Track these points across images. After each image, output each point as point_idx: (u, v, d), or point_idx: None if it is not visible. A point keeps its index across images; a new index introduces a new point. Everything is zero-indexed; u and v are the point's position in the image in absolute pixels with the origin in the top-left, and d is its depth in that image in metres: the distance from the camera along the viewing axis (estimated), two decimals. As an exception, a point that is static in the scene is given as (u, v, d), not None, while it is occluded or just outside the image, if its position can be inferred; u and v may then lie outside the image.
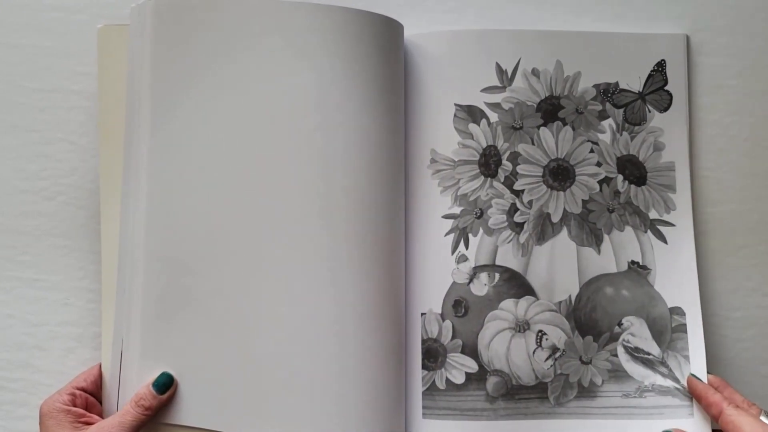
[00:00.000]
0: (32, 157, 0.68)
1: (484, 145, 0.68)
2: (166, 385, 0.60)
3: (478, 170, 0.68)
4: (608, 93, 0.69)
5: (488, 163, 0.68)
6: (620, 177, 0.69)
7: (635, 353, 0.67)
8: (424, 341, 0.66)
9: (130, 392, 0.61)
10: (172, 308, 0.61)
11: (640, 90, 0.69)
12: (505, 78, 0.69)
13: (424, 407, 0.65)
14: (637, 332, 0.67)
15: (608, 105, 0.69)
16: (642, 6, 0.71)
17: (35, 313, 0.68)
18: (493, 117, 0.68)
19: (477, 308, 0.67)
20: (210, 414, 0.61)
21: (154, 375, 0.60)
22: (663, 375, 0.66)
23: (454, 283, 0.67)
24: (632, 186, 0.69)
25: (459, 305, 0.67)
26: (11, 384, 0.67)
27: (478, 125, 0.68)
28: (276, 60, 0.62)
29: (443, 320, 0.67)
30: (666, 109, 0.69)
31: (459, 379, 0.66)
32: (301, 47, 0.63)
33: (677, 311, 0.67)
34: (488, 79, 0.68)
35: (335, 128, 0.63)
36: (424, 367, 0.66)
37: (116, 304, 0.62)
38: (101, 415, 0.61)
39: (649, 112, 0.69)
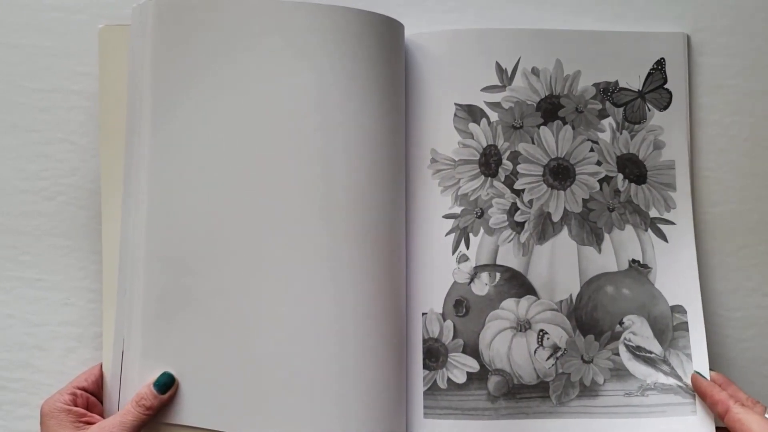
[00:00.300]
0: (32, 157, 0.68)
1: (485, 144, 0.68)
2: (167, 384, 0.60)
3: (479, 170, 0.68)
4: (608, 92, 0.69)
5: (488, 162, 0.68)
6: (620, 176, 0.69)
7: (637, 352, 0.67)
8: (425, 341, 0.66)
9: (131, 392, 0.61)
10: (173, 308, 0.61)
11: (640, 88, 0.69)
12: (505, 77, 0.69)
13: (425, 407, 0.65)
14: (638, 331, 0.67)
15: (608, 104, 0.69)
16: (642, 6, 0.71)
17: (36, 313, 0.68)
18: (494, 116, 0.68)
19: (478, 308, 0.67)
20: (211, 414, 0.61)
21: (155, 375, 0.60)
22: (665, 373, 0.66)
23: (455, 282, 0.67)
24: (632, 185, 0.69)
25: (460, 305, 0.67)
26: (12, 384, 0.67)
27: (479, 125, 0.68)
28: (276, 60, 0.63)
29: (444, 320, 0.66)
30: (666, 108, 0.69)
31: (460, 378, 0.66)
32: (302, 47, 0.63)
33: (678, 309, 0.67)
34: (488, 79, 0.68)
35: (335, 128, 0.63)
36: (425, 366, 0.66)
37: (117, 304, 0.62)
38: (102, 415, 0.61)
39: (649, 110, 0.69)
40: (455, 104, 0.68)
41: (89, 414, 0.60)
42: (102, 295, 0.63)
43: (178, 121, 0.62)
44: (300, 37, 0.63)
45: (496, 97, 0.68)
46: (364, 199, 0.63)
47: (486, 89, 0.68)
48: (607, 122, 0.69)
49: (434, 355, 0.66)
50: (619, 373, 0.67)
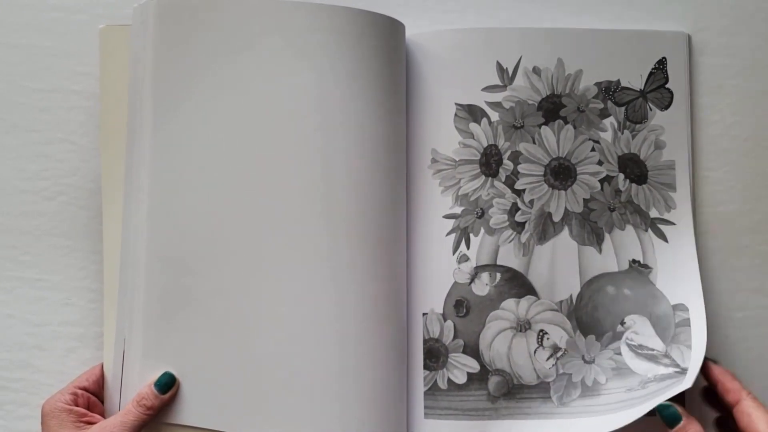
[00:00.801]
0: (33, 157, 0.68)
1: (485, 144, 0.68)
2: (168, 384, 0.60)
3: (479, 170, 0.68)
4: (609, 91, 0.69)
5: (489, 162, 0.68)
6: (621, 176, 0.68)
7: (639, 350, 0.66)
8: (425, 341, 0.66)
9: (132, 392, 0.61)
10: (174, 308, 0.61)
11: (641, 88, 0.69)
12: (506, 77, 0.68)
13: (425, 407, 0.65)
14: (640, 330, 0.67)
15: (609, 103, 0.69)
16: (643, 6, 0.71)
17: (36, 313, 0.68)
18: (494, 116, 0.68)
19: (478, 308, 0.67)
20: (211, 414, 0.61)
21: (156, 375, 0.60)
22: (665, 366, 0.66)
23: (455, 283, 0.67)
24: (633, 185, 0.68)
25: (460, 305, 0.67)
26: (12, 384, 0.67)
27: (479, 125, 0.68)
28: (277, 60, 0.62)
29: (445, 320, 0.66)
30: (667, 107, 0.69)
31: (461, 378, 0.66)
32: (302, 47, 0.63)
33: (680, 307, 0.67)
34: (489, 78, 0.68)
35: (336, 128, 0.63)
36: (425, 367, 0.66)
37: (118, 304, 0.62)
38: (103, 415, 0.61)
39: (650, 110, 0.69)
40: (456, 104, 0.68)
41: (90, 414, 0.60)
42: (103, 295, 0.63)
43: (178, 121, 0.62)
44: (300, 37, 0.63)
45: (497, 96, 0.68)
46: (364, 200, 0.63)
47: (487, 89, 0.68)
48: (609, 122, 0.69)
49: (435, 355, 0.66)
50: (621, 371, 0.66)
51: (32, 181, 0.68)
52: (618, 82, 0.69)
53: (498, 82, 0.68)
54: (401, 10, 0.69)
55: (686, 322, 0.66)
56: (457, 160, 0.68)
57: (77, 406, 0.60)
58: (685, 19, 0.71)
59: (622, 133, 0.69)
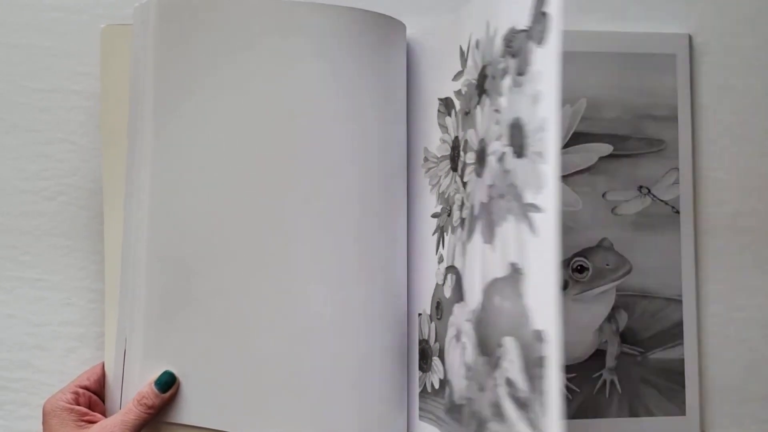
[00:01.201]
0: (33, 157, 0.68)
1: (453, 137, 0.62)
2: (168, 383, 0.60)
3: (450, 165, 0.62)
4: (510, 42, 0.51)
5: (454, 156, 0.61)
6: (510, 150, 0.51)
7: (508, 386, 0.50)
8: (420, 342, 0.65)
9: (132, 391, 0.61)
10: (175, 308, 0.61)
11: (528, 24, 0.49)
12: (463, 61, 0.61)
13: (420, 408, 0.64)
14: (514, 359, 0.49)
15: (508, 58, 0.51)
16: (645, 6, 0.71)
17: (37, 313, 0.68)
18: (458, 105, 0.61)
19: (446, 311, 0.61)
20: (212, 413, 0.61)
21: (157, 374, 0.61)
22: (525, 426, 0.48)
23: (436, 284, 0.63)
24: (516, 160, 0.50)
25: (439, 307, 0.63)
26: (13, 384, 0.67)
27: (451, 117, 0.63)
28: (277, 60, 0.63)
29: (431, 321, 0.64)
30: (541, 42, 0.47)
31: (436, 384, 0.63)
32: (302, 47, 0.63)
33: (540, 336, 0.47)
34: (455, 66, 0.62)
35: (336, 128, 0.63)
36: (419, 368, 0.65)
37: (119, 304, 0.62)
38: (104, 414, 0.62)
39: (535, 49, 0.49)
40: (438, 99, 0.65)
41: (91, 413, 0.60)
42: (103, 295, 0.63)
43: (179, 121, 0.62)
44: (300, 37, 0.63)
45: (458, 84, 0.61)
46: (364, 200, 0.63)
47: (454, 78, 0.62)
48: (506, 82, 0.52)
49: (425, 357, 0.64)
50: (497, 412, 0.51)
51: (32, 181, 0.68)
52: (513, 28, 0.51)
53: (459, 68, 0.61)
54: (401, 10, 0.69)
55: (541, 362, 0.47)
56: (439, 156, 0.64)
57: (78, 405, 0.60)
58: (688, 20, 0.71)
59: (514, 92, 0.51)
